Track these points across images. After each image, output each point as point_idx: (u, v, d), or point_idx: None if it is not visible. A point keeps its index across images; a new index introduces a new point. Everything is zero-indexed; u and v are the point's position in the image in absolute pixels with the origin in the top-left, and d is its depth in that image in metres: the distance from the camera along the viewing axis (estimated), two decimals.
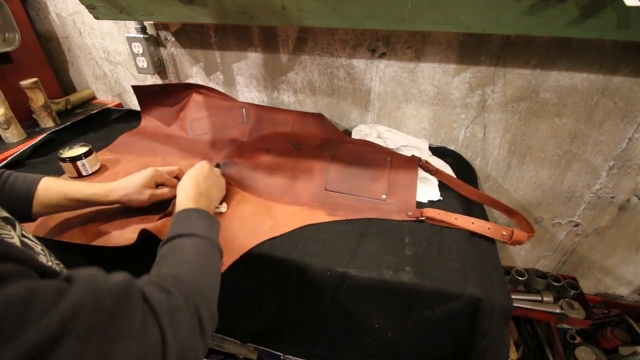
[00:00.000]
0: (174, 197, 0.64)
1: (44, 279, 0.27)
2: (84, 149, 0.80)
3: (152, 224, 0.60)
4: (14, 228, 0.40)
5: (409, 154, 0.88)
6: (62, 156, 0.78)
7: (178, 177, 0.71)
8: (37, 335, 0.22)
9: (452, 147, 0.99)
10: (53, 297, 0.24)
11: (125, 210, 0.67)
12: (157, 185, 0.67)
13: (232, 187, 0.75)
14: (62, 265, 0.45)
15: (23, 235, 0.41)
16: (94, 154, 0.82)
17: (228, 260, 0.58)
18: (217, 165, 0.80)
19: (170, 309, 0.33)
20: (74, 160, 0.78)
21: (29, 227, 0.62)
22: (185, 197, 0.56)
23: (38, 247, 0.42)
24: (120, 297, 0.28)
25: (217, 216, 0.64)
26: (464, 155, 0.97)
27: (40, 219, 0.63)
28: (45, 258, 0.42)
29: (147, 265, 0.44)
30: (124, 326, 0.28)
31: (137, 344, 0.28)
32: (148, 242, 0.56)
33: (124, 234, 0.63)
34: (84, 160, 0.79)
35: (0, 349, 0.21)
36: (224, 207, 0.69)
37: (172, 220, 0.51)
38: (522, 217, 0.70)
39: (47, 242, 0.62)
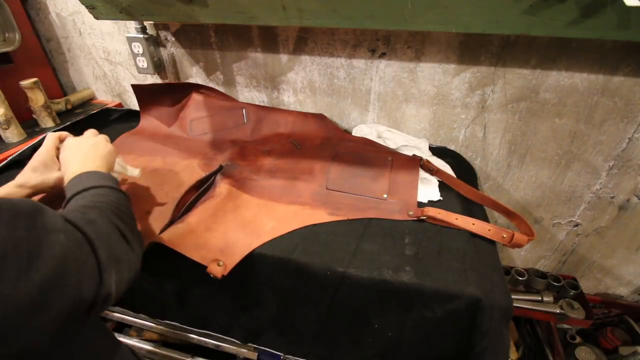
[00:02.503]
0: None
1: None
2: None
3: (162, 235, 0.59)
4: None
5: (410, 154, 0.88)
6: None
7: None
8: None
9: (452, 147, 0.99)
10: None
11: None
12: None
13: (233, 188, 0.74)
14: None
15: None
16: (121, 157, 0.78)
17: (231, 262, 0.58)
18: (220, 167, 0.80)
19: (87, 220, 0.37)
20: None
21: None
22: (72, 168, 0.53)
23: None
24: (36, 206, 0.33)
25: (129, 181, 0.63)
26: (464, 155, 0.97)
27: None
28: None
29: (151, 269, 0.44)
30: (47, 223, 0.32)
31: (63, 237, 0.32)
32: (158, 251, 0.56)
33: None
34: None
35: None
36: (136, 171, 0.64)
37: (65, 187, 0.50)
38: (521, 219, 0.70)
39: None
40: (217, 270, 0.55)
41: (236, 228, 0.65)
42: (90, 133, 0.65)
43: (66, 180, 0.52)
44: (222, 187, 0.73)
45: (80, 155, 0.56)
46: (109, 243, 0.38)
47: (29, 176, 0.57)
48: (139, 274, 0.43)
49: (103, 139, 0.64)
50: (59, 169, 0.59)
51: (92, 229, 0.37)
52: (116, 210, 0.44)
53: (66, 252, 0.32)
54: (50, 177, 0.58)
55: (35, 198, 0.59)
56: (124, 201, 0.48)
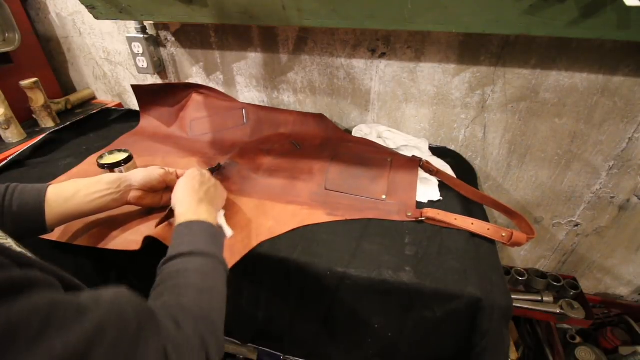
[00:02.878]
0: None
1: (68, 292, 0.27)
2: (123, 155, 0.76)
3: (155, 230, 0.59)
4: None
5: (409, 154, 0.88)
6: (102, 162, 0.74)
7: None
8: (64, 348, 0.22)
9: (452, 147, 0.99)
10: (75, 313, 0.24)
11: (131, 213, 0.67)
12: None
13: (230, 190, 0.74)
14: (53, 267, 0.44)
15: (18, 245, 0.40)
16: (133, 160, 0.78)
17: (228, 262, 0.57)
18: (219, 165, 0.80)
19: (179, 343, 0.33)
20: (112, 167, 0.74)
21: None
22: (184, 208, 0.53)
23: (29, 254, 0.42)
24: (145, 322, 0.29)
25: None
26: (464, 155, 0.97)
27: None
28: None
29: (150, 267, 0.44)
30: (143, 351, 0.28)
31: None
32: (152, 245, 0.56)
33: (129, 237, 0.62)
34: (122, 167, 0.75)
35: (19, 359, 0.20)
36: (230, 232, 0.63)
37: (173, 235, 0.49)
38: (522, 218, 0.70)
39: (41, 246, 0.62)
40: None
41: (234, 228, 0.65)
42: (209, 174, 0.66)
43: (177, 219, 0.51)
44: None
45: (196, 195, 0.56)
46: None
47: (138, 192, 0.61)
48: None
49: (220, 184, 0.66)
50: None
51: (177, 344, 0.32)
52: (215, 312, 0.41)
53: None
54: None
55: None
56: (221, 289, 0.45)
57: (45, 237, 0.61)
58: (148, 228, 0.64)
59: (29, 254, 0.40)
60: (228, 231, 0.63)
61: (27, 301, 0.22)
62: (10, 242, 0.41)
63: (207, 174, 0.65)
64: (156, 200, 0.65)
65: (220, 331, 0.40)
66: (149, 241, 0.56)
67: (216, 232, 0.51)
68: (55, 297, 0.24)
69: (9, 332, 0.20)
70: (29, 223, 0.51)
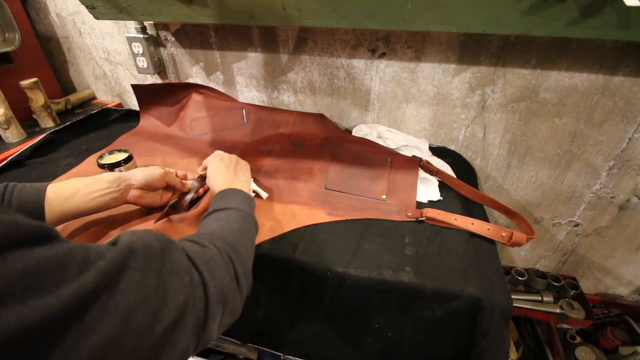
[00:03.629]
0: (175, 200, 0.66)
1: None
2: (123, 155, 0.76)
3: (154, 226, 0.59)
4: None
5: (409, 154, 0.88)
6: (102, 162, 0.74)
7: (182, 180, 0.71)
8: (97, 274, 0.25)
9: (452, 147, 0.99)
10: (105, 247, 0.28)
11: (130, 212, 0.67)
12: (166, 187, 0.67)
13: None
14: None
15: None
16: (133, 160, 0.78)
17: None
18: None
19: (205, 258, 0.36)
20: (112, 167, 0.74)
21: None
22: (221, 181, 0.59)
23: None
24: (164, 242, 0.33)
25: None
26: (464, 155, 0.97)
27: None
28: None
29: None
30: (175, 263, 0.32)
31: (187, 279, 0.32)
32: None
33: None
34: (122, 167, 0.75)
35: (63, 288, 0.23)
36: (264, 194, 0.73)
37: (212, 200, 0.55)
38: (522, 218, 0.70)
39: None
40: None
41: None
42: (231, 155, 0.71)
43: (214, 191, 0.58)
44: None
45: (229, 171, 0.63)
46: (222, 286, 0.36)
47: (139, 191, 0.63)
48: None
49: (241, 159, 0.72)
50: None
51: (209, 270, 0.35)
52: (239, 245, 0.44)
53: (187, 299, 0.31)
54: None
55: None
56: (250, 234, 0.50)
57: None
58: (147, 227, 0.64)
59: None
60: (263, 193, 0.73)
61: (64, 243, 0.25)
62: None
63: (232, 155, 0.70)
64: (156, 200, 0.66)
65: (248, 265, 0.44)
66: None
67: (249, 196, 0.56)
68: (72, 245, 0.27)
69: (59, 262, 0.24)
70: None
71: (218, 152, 0.69)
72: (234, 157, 0.69)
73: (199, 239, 0.39)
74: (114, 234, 0.63)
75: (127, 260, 0.27)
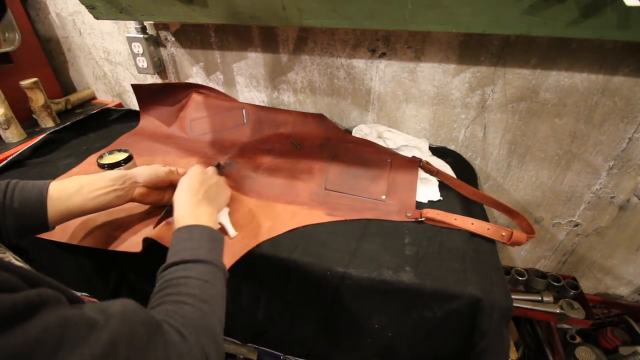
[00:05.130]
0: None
1: (74, 306, 0.27)
2: (123, 155, 0.76)
3: (154, 231, 0.59)
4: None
5: (409, 154, 0.88)
6: (102, 162, 0.74)
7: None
8: None
9: (452, 147, 0.99)
10: (86, 329, 0.25)
11: (132, 214, 0.67)
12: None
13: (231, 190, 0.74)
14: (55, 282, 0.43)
15: (15, 258, 0.40)
16: (133, 160, 0.78)
17: (228, 262, 0.57)
18: (218, 165, 0.80)
19: (182, 353, 0.33)
20: (112, 167, 0.74)
21: None
22: (183, 211, 0.52)
23: (26, 267, 0.40)
24: (152, 333, 0.30)
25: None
26: (464, 155, 0.97)
27: None
28: None
29: (150, 267, 0.43)
30: (157, 357, 0.29)
31: None
32: (152, 245, 0.56)
33: (131, 239, 0.62)
34: (122, 167, 0.75)
35: None
36: (232, 232, 0.63)
37: (172, 238, 0.48)
38: (522, 217, 0.70)
39: (42, 246, 0.62)
40: None
41: (234, 227, 0.65)
42: (213, 171, 0.65)
43: (175, 221, 0.51)
44: None
45: (194, 197, 0.55)
46: None
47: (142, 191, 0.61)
48: None
49: (224, 181, 0.66)
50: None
51: (181, 354, 0.33)
52: (215, 321, 0.41)
53: None
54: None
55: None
56: (223, 292, 0.45)
57: (46, 237, 0.61)
58: (149, 230, 0.64)
59: (29, 268, 0.40)
60: (231, 231, 0.62)
61: (40, 321, 0.22)
62: (9, 256, 0.41)
63: (210, 171, 0.64)
64: (159, 198, 0.65)
65: (220, 339, 0.40)
66: (149, 242, 0.56)
67: (216, 236, 0.50)
68: (65, 314, 0.24)
69: (25, 354, 0.20)
70: (31, 220, 0.50)
71: (193, 169, 0.61)
72: (210, 178, 0.61)
73: (176, 323, 0.35)
74: (117, 237, 0.63)
75: (107, 358, 0.25)
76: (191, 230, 0.49)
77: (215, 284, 0.44)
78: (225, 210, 0.64)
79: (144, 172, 0.61)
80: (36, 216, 0.50)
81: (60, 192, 0.52)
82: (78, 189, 0.53)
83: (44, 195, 0.50)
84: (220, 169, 0.79)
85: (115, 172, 0.59)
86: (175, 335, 0.34)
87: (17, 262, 0.36)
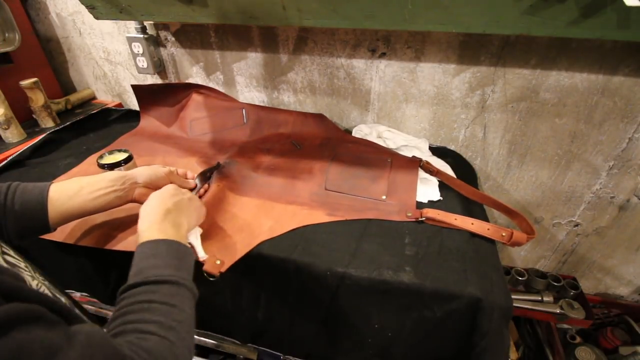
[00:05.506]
0: None
1: (52, 328, 0.26)
2: (123, 155, 0.76)
3: None
4: None
5: (409, 154, 0.88)
6: (102, 162, 0.74)
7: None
8: None
9: (452, 147, 0.99)
10: (43, 356, 0.24)
11: (132, 214, 0.67)
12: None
13: (229, 191, 0.74)
14: (47, 283, 0.42)
15: (4, 253, 0.39)
16: (133, 160, 0.78)
17: (228, 262, 0.57)
18: (218, 164, 0.80)
19: None
20: (112, 167, 0.74)
21: None
22: (148, 223, 0.48)
23: (22, 264, 0.40)
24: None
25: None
26: (464, 155, 0.97)
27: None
28: (30, 276, 0.39)
29: None
30: None
31: None
32: None
33: (133, 238, 0.62)
34: (122, 168, 0.74)
35: None
36: (202, 254, 0.56)
37: (135, 255, 0.43)
38: (522, 218, 0.70)
39: (42, 246, 0.62)
40: (214, 268, 0.55)
41: (234, 229, 0.65)
42: (186, 190, 0.60)
43: (140, 233, 0.47)
44: (217, 188, 0.73)
45: (161, 209, 0.50)
46: None
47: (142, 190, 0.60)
48: None
49: (199, 200, 0.61)
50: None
51: None
52: (181, 348, 0.38)
53: None
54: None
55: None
56: (190, 314, 0.41)
57: (47, 237, 0.61)
58: None
59: (21, 266, 0.39)
60: (201, 253, 0.56)
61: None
62: (9, 251, 0.40)
63: (185, 190, 0.59)
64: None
65: None
66: None
67: (184, 251, 0.47)
68: (24, 338, 0.24)
69: None
70: (32, 222, 0.50)
71: (167, 186, 0.57)
72: (183, 194, 0.56)
73: (140, 356, 0.32)
74: (118, 237, 0.63)
75: None
76: (156, 245, 0.45)
77: (183, 307, 0.40)
78: (197, 231, 0.59)
79: (144, 172, 0.61)
80: (37, 218, 0.50)
81: (61, 193, 0.52)
82: (78, 190, 0.53)
83: (45, 197, 0.50)
84: (220, 169, 0.79)
85: (115, 173, 0.59)
86: None
87: (5, 265, 0.36)
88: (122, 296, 0.39)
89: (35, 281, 0.39)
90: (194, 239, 0.57)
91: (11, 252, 0.41)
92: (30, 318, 0.26)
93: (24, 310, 0.26)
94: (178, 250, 0.46)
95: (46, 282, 0.41)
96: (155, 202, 0.52)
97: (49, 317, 0.28)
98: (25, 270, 0.39)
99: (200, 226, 0.60)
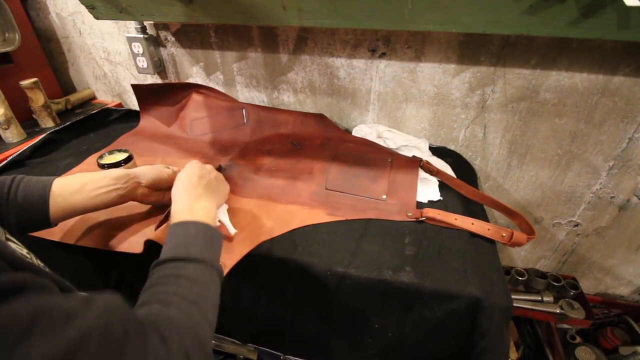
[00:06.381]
0: None
1: (67, 297, 0.26)
2: (123, 155, 0.76)
3: (155, 232, 0.59)
4: None
5: (409, 154, 0.88)
6: (102, 162, 0.74)
7: None
8: (40, 356, 0.21)
9: (452, 147, 0.99)
10: (61, 319, 0.24)
11: (133, 215, 0.67)
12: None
13: (230, 193, 0.74)
14: (47, 270, 0.42)
15: (7, 239, 0.39)
16: (134, 160, 0.78)
17: (229, 264, 0.57)
18: (219, 168, 0.80)
19: (160, 357, 0.31)
20: (112, 167, 0.74)
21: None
22: (181, 206, 0.50)
23: (24, 250, 0.41)
24: (131, 333, 0.28)
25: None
26: (464, 155, 0.97)
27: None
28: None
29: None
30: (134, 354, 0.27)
31: None
32: (153, 247, 0.56)
33: (133, 239, 0.62)
34: (122, 167, 0.74)
35: None
36: (232, 230, 0.60)
37: (167, 234, 0.46)
38: (522, 218, 0.70)
39: (42, 246, 0.62)
40: None
41: (235, 229, 0.65)
42: (212, 166, 0.63)
43: (172, 217, 0.49)
44: None
45: (193, 192, 0.53)
46: None
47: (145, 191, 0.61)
48: None
49: (222, 177, 0.63)
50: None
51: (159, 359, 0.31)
52: (204, 324, 0.38)
53: None
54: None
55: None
56: (216, 294, 0.43)
57: (47, 237, 0.61)
58: (151, 230, 0.64)
59: (23, 253, 0.40)
60: (231, 228, 0.60)
61: (11, 308, 0.22)
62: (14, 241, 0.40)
63: (209, 166, 0.62)
64: (159, 198, 0.65)
65: (209, 344, 0.38)
66: (150, 244, 0.56)
67: (213, 233, 0.49)
68: (41, 302, 0.24)
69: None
70: (33, 215, 0.50)
71: (192, 163, 0.59)
72: (209, 173, 0.59)
73: (159, 325, 0.33)
74: (118, 237, 0.63)
75: (74, 353, 0.23)
76: (187, 226, 0.47)
77: (208, 284, 0.42)
78: (224, 207, 0.62)
79: (147, 172, 0.61)
80: (38, 212, 0.50)
81: (63, 189, 0.52)
82: (81, 187, 0.53)
83: (47, 191, 0.51)
84: (221, 172, 0.79)
85: (118, 171, 0.58)
86: (157, 338, 0.31)
87: (14, 247, 0.36)
88: (153, 271, 0.41)
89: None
90: (223, 215, 0.60)
91: (14, 239, 0.41)
92: (45, 287, 0.26)
93: (39, 280, 0.26)
94: (206, 232, 0.47)
95: (46, 269, 0.42)
96: (186, 184, 0.54)
97: (68, 288, 0.28)
98: (27, 257, 0.40)
99: None
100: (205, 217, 0.50)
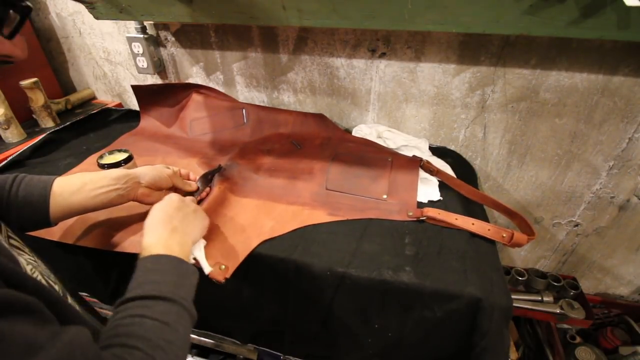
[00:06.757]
0: None
1: (42, 326, 0.26)
2: (123, 155, 0.76)
3: None
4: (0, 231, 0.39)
5: (409, 154, 0.88)
6: (102, 162, 0.74)
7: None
8: None
9: (452, 147, 0.99)
10: (20, 351, 0.23)
11: (133, 215, 0.67)
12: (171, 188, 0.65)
13: (230, 193, 0.74)
14: (43, 269, 0.41)
15: (9, 237, 0.39)
16: (134, 160, 0.77)
17: (231, 266, 0.57)
18: (219, 167, 0.80)
19: None
20: (112, 167, 0.73)
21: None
22: (153, 238, 0.47)
23: (26, 249, 0.40)
24: None
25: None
26: (464, 155, 0.97)
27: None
28: (30, 264, 0.39)
29: None
30: None
31: None
32: None
33: (135, 239, 0.62)
34: (122, 167, 0.74)
35: None
36: (207, 268, 0.54)
37: (136, 268, 0.42)
38: (522, 219, 0.70)
39: (42, 244, 0.62)
40: (219, 274, 0.55)
41: (235, 231, 0.65)
42: (191, 199, 0.60)
43: (145, 247, 0.45)
44: (219, 191, 0.72)
45: (167, 225, 0.49)
46: None
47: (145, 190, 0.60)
48: None
49: (202, 211, 0.59)
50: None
51: None
52: None
53: None
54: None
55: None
56: (186, 337, 0.40)
57: (47, 237, 0.61)
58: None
59: (25, 252, 0.39)
60: (206, 267, 0.54)
61: None
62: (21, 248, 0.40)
63: (188, 199, 0.59)
64: (159, 199, 0.65)
65: None
66: None
67: (188, 269, 0.45)
68: (6, 328, 0.23)
69: None
70: (33, 214, 0.50)
71: (170, 195, 0.56)
72: (187, 206, 0.55)
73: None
74: (119, 237, 0.63)
75: None
76: (158, 260, 0.43)
77: (177, 327, 0.38)
78: (202, 243, 0.57)
79: (147, 173, 0.61)
80: (38, 211, 0.50)
81: (63, 188, 0.52)
82: (81, 187, 0.53)
83: (48, 190, 0.50)
84: (221, 171, 0.79)
85: (119, 171, 0.58)
86: None
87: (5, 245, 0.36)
88: (117, 309, 0.38)
89: (29, 266, 0.39)
90: (198, 252, 0.55)
91: (16, 237, 0.41)
92: (23, 310, 0.26)
93: (20, 301, 0.25)
94: (180, 267, 0.44)
95: (40, 268, 0.41)
96: (161, 215, 0.51)
97: (44, 313, 0.28)
98: (29, 255, 0.40)
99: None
100: (179, 252, 0.46)
